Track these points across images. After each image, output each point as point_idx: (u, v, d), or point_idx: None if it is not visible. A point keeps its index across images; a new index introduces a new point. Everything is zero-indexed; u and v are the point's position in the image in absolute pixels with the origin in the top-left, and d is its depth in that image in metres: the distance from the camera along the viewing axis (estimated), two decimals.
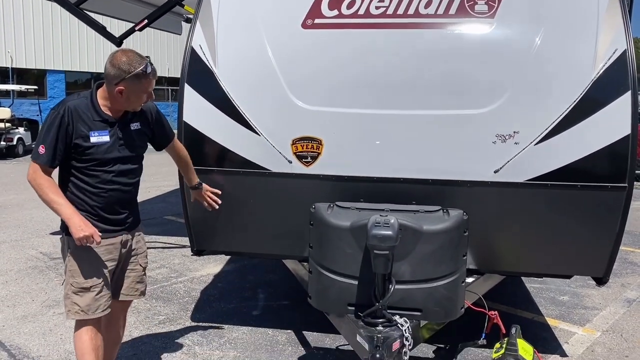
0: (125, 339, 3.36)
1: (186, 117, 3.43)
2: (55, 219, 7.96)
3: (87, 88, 2.94)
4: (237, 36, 3.47)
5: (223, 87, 3.37)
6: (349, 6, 3.32)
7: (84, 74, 24.46)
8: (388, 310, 2.89)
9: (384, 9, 3.29)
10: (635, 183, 3.30)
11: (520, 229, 3.30)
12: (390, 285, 2.87)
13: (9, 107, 17.63)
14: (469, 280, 3.38)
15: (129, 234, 2.93)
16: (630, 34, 3.10)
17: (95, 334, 2.81)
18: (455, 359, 3.62)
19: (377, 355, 2.69)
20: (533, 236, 3.30)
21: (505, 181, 3.17)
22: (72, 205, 2.66)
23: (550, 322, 4.39)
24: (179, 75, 3.57)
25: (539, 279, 5.18)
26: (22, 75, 22.52)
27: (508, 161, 3.14)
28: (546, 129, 3.09)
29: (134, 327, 4.11)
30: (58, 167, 2.74)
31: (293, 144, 3.34)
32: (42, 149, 2.63)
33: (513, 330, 3.28)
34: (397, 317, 2.88)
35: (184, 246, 6.35)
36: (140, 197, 3.07)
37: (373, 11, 3.29)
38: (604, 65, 3.06)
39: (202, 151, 3.44)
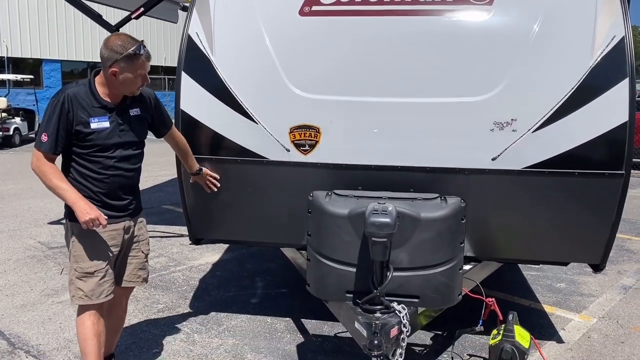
0: (124, 327, 3.37)
1: (183, 105, 3.41)
2: (52, 208, 7.94)
3: (83, 77, 2.95)
4: (234, 24, 3.44)
5: (220, 75, 3.35)
6: None
7: (80, 63, 24.33)
8: (386, 297, 2.90)
9: None
10: (632, 171, 3.30)
11: (518, 216, 3.31)
12: (388, 273, 2.88)
13: (5, 96, 17.53)
14: (467, 267, 3.40)
15: (131, 221, 2.95)
16: (628, 20, 3.09)
17: (98, 320, 2.84)
18: (452, 345, 3.65)
19: (375, 342, 2.70)
20: (530, 223, 3.31)
21: (503, 169, 3.18)
22: (77, 191, 2.69)
23: (547, 309, 4.42)
24: (175, 65, 3.55)
25: (536, 266, 5.21)
26: (17, 64, 22.38)
27: (506, 149, 3.14)
28: (544, 117, 3.09)
29: (133, 316, 4.13)
30: (61, 156, 2.76)
31: (291, 132, 3.33)
32: (44, 137, 2.66)
33: (510, 317, 3.30)
34: (395, 304, 2.89)
35: (182, 235, 6.35)
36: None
37: None
38: (602, 52, 3.06)
39: (199, 139, 3.43)
